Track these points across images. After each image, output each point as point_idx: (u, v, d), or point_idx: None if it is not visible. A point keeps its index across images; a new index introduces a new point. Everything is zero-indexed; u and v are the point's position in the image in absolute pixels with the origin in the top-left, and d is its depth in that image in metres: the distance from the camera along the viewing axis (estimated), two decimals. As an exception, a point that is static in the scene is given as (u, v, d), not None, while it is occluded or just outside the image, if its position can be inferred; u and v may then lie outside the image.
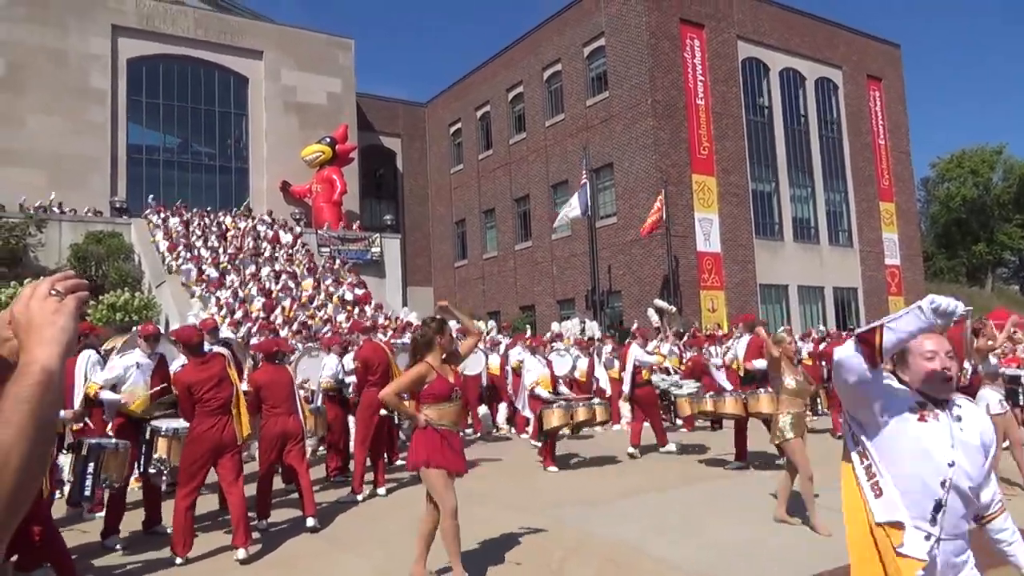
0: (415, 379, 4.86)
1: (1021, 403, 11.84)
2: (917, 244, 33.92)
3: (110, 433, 6.50)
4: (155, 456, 6.25)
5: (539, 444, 11.28)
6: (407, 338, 14.16)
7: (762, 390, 8.77)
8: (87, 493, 5.42)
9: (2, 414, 1.00)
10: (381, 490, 8.04)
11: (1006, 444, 7.05)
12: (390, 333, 15.83)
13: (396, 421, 10.06)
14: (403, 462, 9.94)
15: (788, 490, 6.21)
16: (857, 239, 30.35)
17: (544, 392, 9.77)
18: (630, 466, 9.52)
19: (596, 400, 9.89)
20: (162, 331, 8.45)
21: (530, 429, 11.96)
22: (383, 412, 7.96)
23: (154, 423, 6.41)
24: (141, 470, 6.41)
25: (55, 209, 25.48)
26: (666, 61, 25.48)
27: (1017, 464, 7.09)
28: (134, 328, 8.25)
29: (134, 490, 7.10)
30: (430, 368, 4.87)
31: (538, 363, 10.19)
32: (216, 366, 5.93)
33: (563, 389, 10.26)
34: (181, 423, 6.17)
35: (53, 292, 1.13)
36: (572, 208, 23.39)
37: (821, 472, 6.08)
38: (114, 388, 6.58)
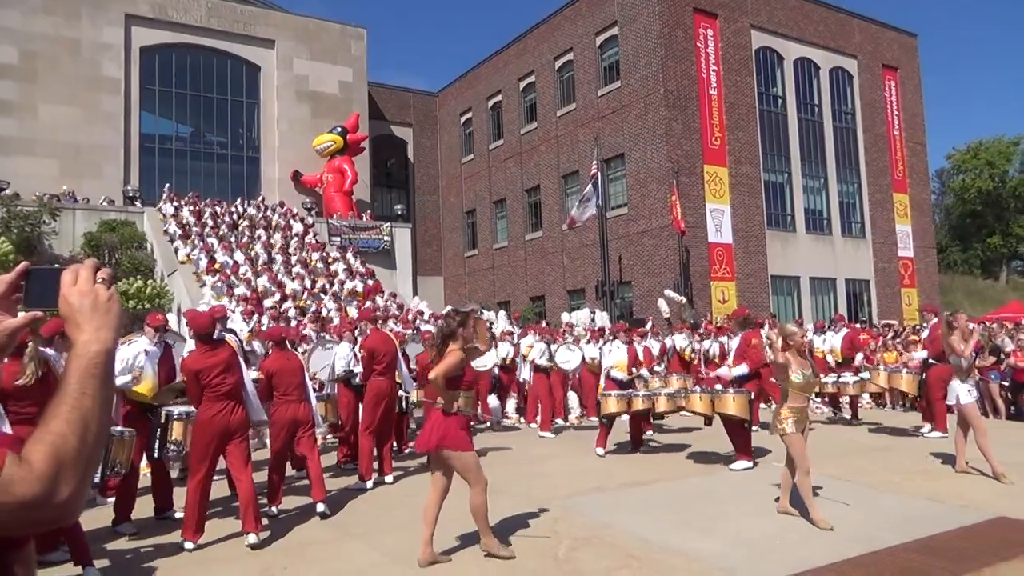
0: (458, 364, 5.12)
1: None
2: (931, 236, 33.60)
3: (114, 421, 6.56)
4: (171, 439, 6.32)
5: (547, 436, 11.34)
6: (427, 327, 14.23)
7: (730, 390, 8.73)
8: (96, 480, 5.47)
9: (72, 388, 1.15)
10: (388, 478, 8.08)
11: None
12: (400, 325, 15.86)
13: (405, 409, 10.12)
14: (411, 449, 10.05)
15: (791, 483, 6.21)
16: (870, 230, 30.12)
17: (620, 374, 9.77)
18: (640, 456, 9.53)
19: (667, 390, 9.69)
20: (171, 321, 8.52)
21: (539, 419, 12.01)
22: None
23: (167, 407, 6.47)
24: (155, 455, 6.47)
25: (68, 198, 25.66)
26: (679, 50, 25.30)
27: (981, 451, 7.45)
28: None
29: (145, 475, 7.18)
30: (463, 355, 5.16)
31: (618, 348, 10.12)
32: (224, 352, 5.96)
33: (644, 372, 10.24)
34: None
35: (101, 280, 1.28)
36: (589, 207, 23.33)
37: (825, 465, 6.07)
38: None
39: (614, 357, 10.03)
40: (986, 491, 6.96)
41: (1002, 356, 13.50)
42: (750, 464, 8.39)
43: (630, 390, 9.67)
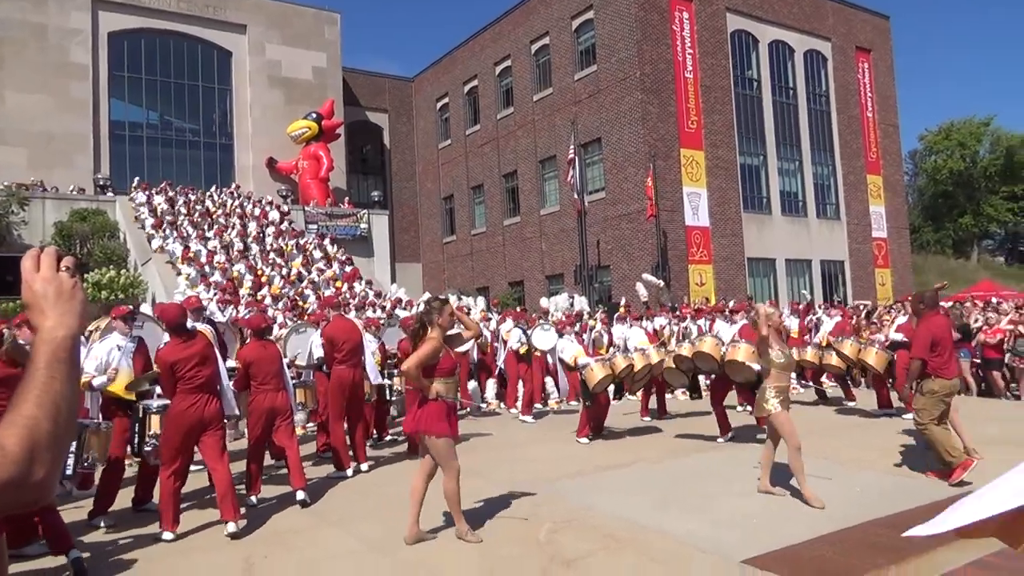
0: (432, 352, 5.20)
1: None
2: (904, 217, 34.05)
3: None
4: (150, 433, 6.25)
5: (527, 420, 11.37)
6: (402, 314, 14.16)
7: (741, 341, 8.94)
8: (68, 472, 5.39)
9: (41, 373, 1.18)
10: (363, 466, 8.03)
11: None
12: (379, 311, 15.78)
13: (388, 396, 10.09)
14: (391, 437, 10.05)
15: (771, 462, 6.31)
16: (844, 212, 30.44)
17: (586, 359, 9.91)
18: (621, 440, 9.59)
19: (634, 354, 9.72)
20: (140, 310, 8.38)
21: (519, 404, 12.03)
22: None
23: (145, 401, 6.40)
24: (135, 450, 6.40)
25: (38, 187, 25.18)
26: (655, 34, 25.29)
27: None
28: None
29: (131, 466, 7.11)
30: (440, 344, 5.25)
31: (571, 342, 10.50)
32: (199, 344, 5.90)
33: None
34: None
35: (65, 268, 1.28)
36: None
37: (804, 444, 6.16)
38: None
39: (571, 351, 10.30)
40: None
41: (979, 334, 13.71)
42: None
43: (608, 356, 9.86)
